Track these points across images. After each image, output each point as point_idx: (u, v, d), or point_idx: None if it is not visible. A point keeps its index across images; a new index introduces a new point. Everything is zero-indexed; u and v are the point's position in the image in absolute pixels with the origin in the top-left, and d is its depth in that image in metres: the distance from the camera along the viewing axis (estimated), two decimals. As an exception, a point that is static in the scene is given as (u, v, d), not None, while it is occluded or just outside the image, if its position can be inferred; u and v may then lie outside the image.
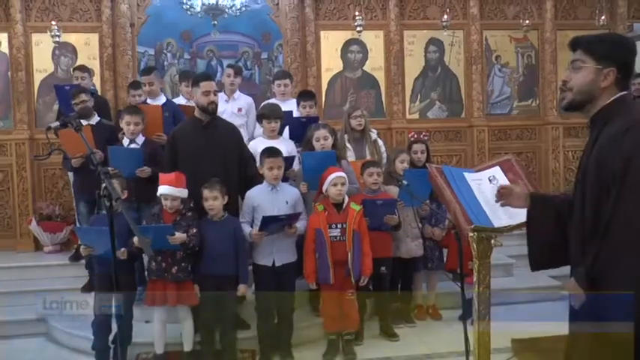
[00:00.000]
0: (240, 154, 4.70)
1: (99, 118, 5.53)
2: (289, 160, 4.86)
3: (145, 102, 5.78)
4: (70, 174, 5.90)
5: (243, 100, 6.06)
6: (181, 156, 4.56)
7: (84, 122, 5.30)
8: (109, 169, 4.55)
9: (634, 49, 2.33)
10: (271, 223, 4.28)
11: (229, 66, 6.35)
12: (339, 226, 4.46)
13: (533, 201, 2.58)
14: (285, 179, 4.77)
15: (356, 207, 4.54)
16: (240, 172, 4.66)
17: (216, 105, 4.62)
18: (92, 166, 2.72)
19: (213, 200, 4.26)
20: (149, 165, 4.82)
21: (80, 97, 5.39)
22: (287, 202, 4.48)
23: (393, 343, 4.81)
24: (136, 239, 3.91)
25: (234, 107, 5.94)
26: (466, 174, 3.10)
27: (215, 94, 4.57)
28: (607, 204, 2.13)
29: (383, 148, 5.58)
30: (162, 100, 5.77)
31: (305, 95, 5.72)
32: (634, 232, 2.06)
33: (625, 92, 2.29)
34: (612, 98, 2.27)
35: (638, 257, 2.06)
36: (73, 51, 7.05)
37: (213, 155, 4.51)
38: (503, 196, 2.68)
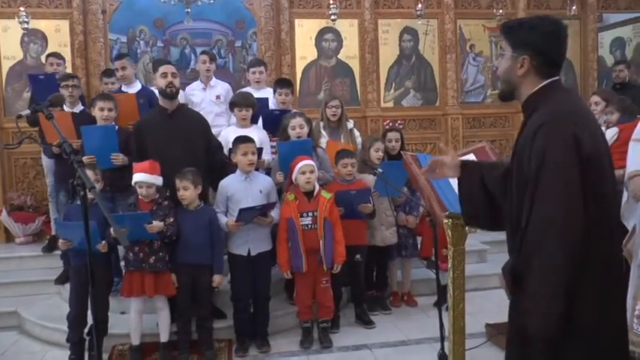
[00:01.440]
0: (207, 142, 4.65)
1: (82, 107, 5.43)
2: (258, 152, 4.82)
3: (119, 89, 5.69)
4: (50, 162, 5.79)
5: (221, 87, 6.00)
6: (149, 146, 4.47)
7: (67, 109, 5.25)
8: (84, 158, 4.50)
9: (554, 33, 2.18)
10: (247, 214, 4.28)
11: (203, 52, 6.26)
12: (310, 214, 4.47)
13: (464, 169, 2.52)
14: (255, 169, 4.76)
15: (327, 195, 4.55)
16: (208, 160, 4.61)
17: (176, 88, 4.53)
18: (65, 155, 2.68)
19: (184, 190, 4.24)
20: (123, 153, 4.75)
21: (73, 80, 5.32)
22: (261, 192, 4.47)
23: (368, 330, 4.85)
24: (112, 230, 3.87)
25: (212, 95, 5.88)
26: (441, 161, 3.13)
27: (174, 77, 4.49)
28: (526, 201, 2.08)
29: (359, 139, 5.58)
30: (137, 86, 5.68)
31: (281, 83, 5.69)
32: (545, 234, 2.01)
33: (552, 79, 2.18)
34: (537, 87, 2.18)
35: (548, 259, 2.01)
36: (43, 38, 6.90)
37: (180, 144, 4.45)
38: (433, 168, 2.57)
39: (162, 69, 4.48)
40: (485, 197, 2.47)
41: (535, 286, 2.05)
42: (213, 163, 4.63)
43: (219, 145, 4.73)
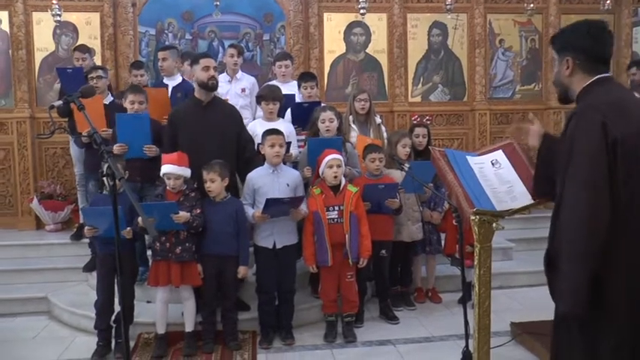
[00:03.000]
0: (239, 135, 4.68)
1: (112, 98, 5.50)
2: (286, 146, 4.83)
3: (162, 82, 5.80)
4: (79, 152, 5.89)
5: (247, 80, 6.03)
6: (181, 136, 4.54)
7: None
8: (115, 146, 4.59)
9: (590, 31, 2.33)
10: (274, 206, 4.28)
11: (231, 46, 6.30)
12: (336, 208, 4.46)
13: (544, 140, 2.62)
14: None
15: (353, 189, 4.53)
16: (239, 153, 4.64)
17: (217, 81, 4.61)
18: (95, 145, 2.71)
19: (211, 182, 4.26)
20: (154, 144, 4.81)
21: (97, 72, 5.40)
22: (288, 185, 4.47)
23: (392, 325, 4.84)
24: (140, 219, 3.92)
25: (237, 88, 5.91)
26: (469, 157, 3.10)
27: (215, 70, 4.56)
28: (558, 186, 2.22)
29: (385, 135, 5.54)
30: (178, 79, 5.77)
31: (306, 77, 5.68)
32: (571, 217, 2.11)
33: (601, 76, 2.30)
34: (584, 84, 2.31)
35: (573, 241, 2.10)
36: (74, 30, 7.02)
37: (212, 136, 4.49)
38: (519, 134, 2.73)
39: (204, 62, 4.52)
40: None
41: (563, 268, 2.14)
42: (242, 156, 4.65)
43: (250, 139, 4.75)
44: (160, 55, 5.84)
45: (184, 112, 4.63)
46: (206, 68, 4.50)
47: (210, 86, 4.54)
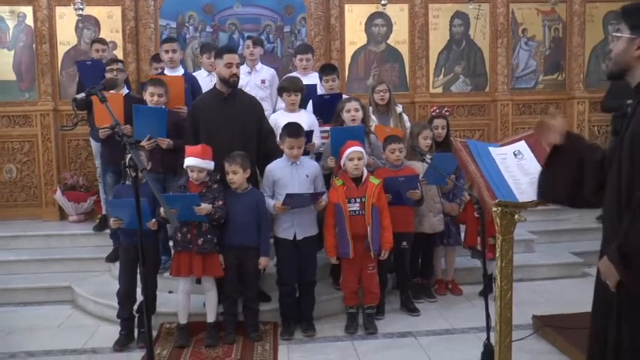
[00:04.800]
0: (259, 127, 4.67)
1: (128, 91, 5.54)
2: (308, 135, 4.82)
3: (162, 72, 5.76)
4: (97, 145, 5.94)
5: (266, 72, 6.02)
6: (202, 128, 4.55)
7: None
8: (143, 142, 4.63)
9: None
10: (294, 200, 4.27)
11: (248, 37, 6.32)
12: (357, 200, 4.45)
13: (567, 140, 2.50)
14: (305, 153, 4.76)
15: (375, 181, 4.52)
16: (259, 145, 4.64)
17: (238, 78, 4.60)
18: (118, 137, 2.74)
19: (233, 174, 4.27)
20: (173, 136, 4.84)
21: (118, 64, 5.44)
22: (307, 176, 4.47)
23: (413, 317, 4.83)
24: (162, 210, 3.95)
25: (257, 79, 5.90)
26: (491, 148, 3.07)
27: (237, 67, 4.55)
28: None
29: (408, 124, 5.51)
30: (180, 71, 5.74)
31: (327, 69, 5.65)
32: None
33: None
34: None
35: None
36: (96, 24, 7.08)
37: (233, 128, 4.50)
38: (540, 129, 2.58)
39: (227, 58, 4.49)
40: (577, 175, 2.46)
41: None
42: (263, 148, 4.65)
43: (271, 131, 4.74)
44: (168, 47, 5.70)
45: (205, 104, 4.65)
46: (229, 65, 4.48)
47: (232, 83, 4.53)
